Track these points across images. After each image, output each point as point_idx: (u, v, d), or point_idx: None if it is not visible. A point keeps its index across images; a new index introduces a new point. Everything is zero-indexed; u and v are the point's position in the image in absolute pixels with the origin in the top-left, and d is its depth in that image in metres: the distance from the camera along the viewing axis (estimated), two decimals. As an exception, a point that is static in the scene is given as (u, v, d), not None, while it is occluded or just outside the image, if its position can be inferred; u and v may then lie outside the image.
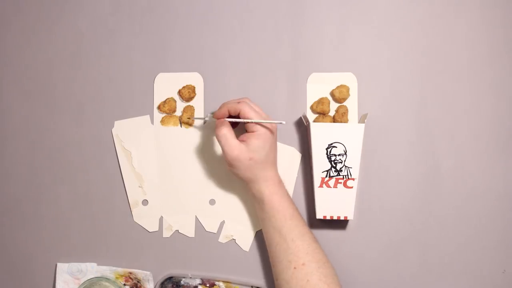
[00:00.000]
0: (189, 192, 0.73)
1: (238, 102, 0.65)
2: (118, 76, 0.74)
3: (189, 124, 0.73)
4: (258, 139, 0.64)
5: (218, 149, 0.73)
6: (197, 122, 0.73)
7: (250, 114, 0.64)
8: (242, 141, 0.65)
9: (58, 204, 0.74)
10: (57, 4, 0.75)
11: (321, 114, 0.71)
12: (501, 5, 0.71)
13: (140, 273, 0.72)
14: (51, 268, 0.74)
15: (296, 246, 0.63)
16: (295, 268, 0.62)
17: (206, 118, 0.70)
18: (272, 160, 0.66)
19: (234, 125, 0.68)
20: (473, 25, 0.71)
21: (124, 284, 0.72)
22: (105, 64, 0.74)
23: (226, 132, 0.64)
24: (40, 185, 0.74)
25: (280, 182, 0.67)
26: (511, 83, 0.71)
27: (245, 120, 0.64)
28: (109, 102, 0.74)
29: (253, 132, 0.64)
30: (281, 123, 0.64)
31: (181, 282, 0.71)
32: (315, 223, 0.71)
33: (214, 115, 0.67)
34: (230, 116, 0.66)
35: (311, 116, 0.72)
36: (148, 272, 0.72)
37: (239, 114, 0.65)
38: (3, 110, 0.75)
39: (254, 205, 0.68)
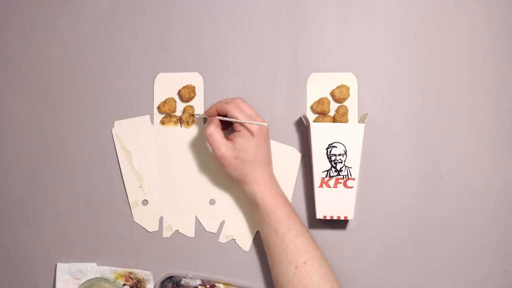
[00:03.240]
0: (189, 192, 0.73)
1: (226, 103, 0.66)
2: (118, 76, 0.74)
3: (188, 124, 0.73)
4: (243, 138, 0.64)
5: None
6: (198, 122, 0.73)
7: (236, 115, 0.64)
8: (229, 140, 0.65)
9: (58, 204, 0.74)
10: (56, 4, 0.75)
11: (321, 114, 0.71)
12: (502, 4, 0.71)
13: (140, 273, 0.72)
14: (51, 268, 0.74)
15: (296, 245, 0.63)
16: (296, 267, 0.62)
17: (200, 115, 0.71)
18: (261, 159, 0.66)
19: (227, 125, 0.68)
20: (473, 24, 0.71)
21: (124, 284, 0.72)
22: (105, 64, 0.74)
23: (213, 130, 0.65)
24: (40, 185, 0.74)
25: (272, 183, 0.67)
26: (511, 83, 0.71)
27: (229, 119, 0.65)
28: (109, 102, 0.74)
29: (239, 131, 0.65)
30: (263, 124, 0.64)
31: (182, 282, 0.71)
32: (315, 223, 0.71)
33: (205, 112, 0.68)
34: (220, 115, 0.67)
35: (311, 116, 0.72)
36: (148, 272, 0.72)
37: (226, 114, 0.66)
38: (3, 110, 0.75)
39: (250, 207, 0.69)
